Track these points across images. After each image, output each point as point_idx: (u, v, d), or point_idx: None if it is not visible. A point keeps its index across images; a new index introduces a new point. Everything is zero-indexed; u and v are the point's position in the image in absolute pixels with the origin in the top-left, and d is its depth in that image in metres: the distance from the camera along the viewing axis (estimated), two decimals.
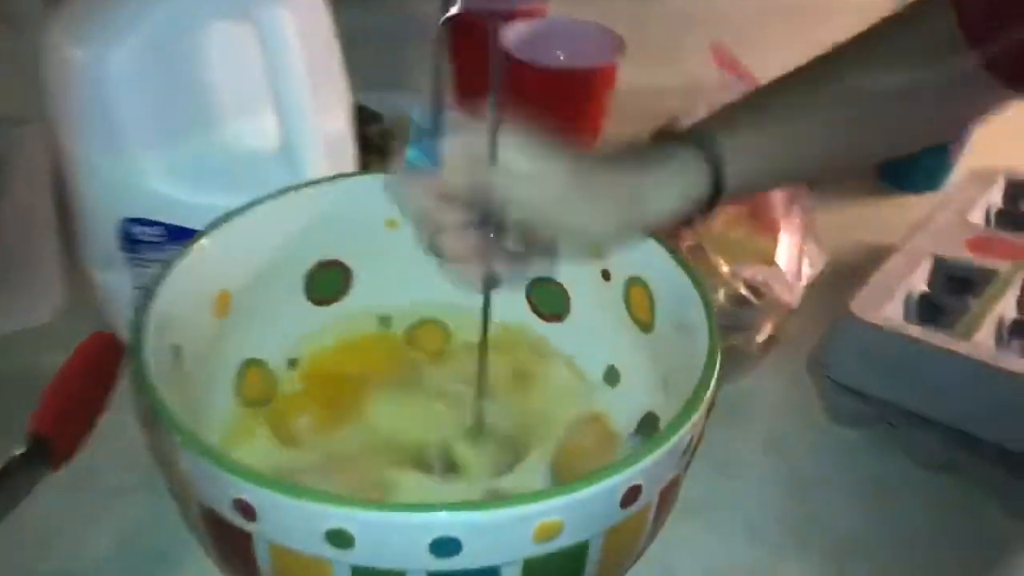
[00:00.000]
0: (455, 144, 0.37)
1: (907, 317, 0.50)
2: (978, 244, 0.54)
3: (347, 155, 0.51)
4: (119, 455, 0.45)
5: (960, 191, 0.60)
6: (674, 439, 0.31)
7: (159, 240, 0.45)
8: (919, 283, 0.52)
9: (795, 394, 0.52)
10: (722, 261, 0.48)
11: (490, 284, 0.39)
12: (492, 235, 0.38)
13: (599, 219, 0.38)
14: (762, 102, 0.42)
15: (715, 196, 0.38)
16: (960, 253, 0.53)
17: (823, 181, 0.45)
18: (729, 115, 0.42)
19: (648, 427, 0.43)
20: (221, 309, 0.42)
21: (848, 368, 0.48)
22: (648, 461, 0.30)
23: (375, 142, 0.68)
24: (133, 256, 0.46)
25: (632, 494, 0.30)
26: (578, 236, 0.39)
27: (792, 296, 0.47)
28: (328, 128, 0.48)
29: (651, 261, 0.42)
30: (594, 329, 0.47)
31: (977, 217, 0.58)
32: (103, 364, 0.48)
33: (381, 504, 0.28)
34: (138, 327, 0.35)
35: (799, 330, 0.53)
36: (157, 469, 0.35)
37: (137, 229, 0.45)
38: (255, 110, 0.46)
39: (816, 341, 0.51)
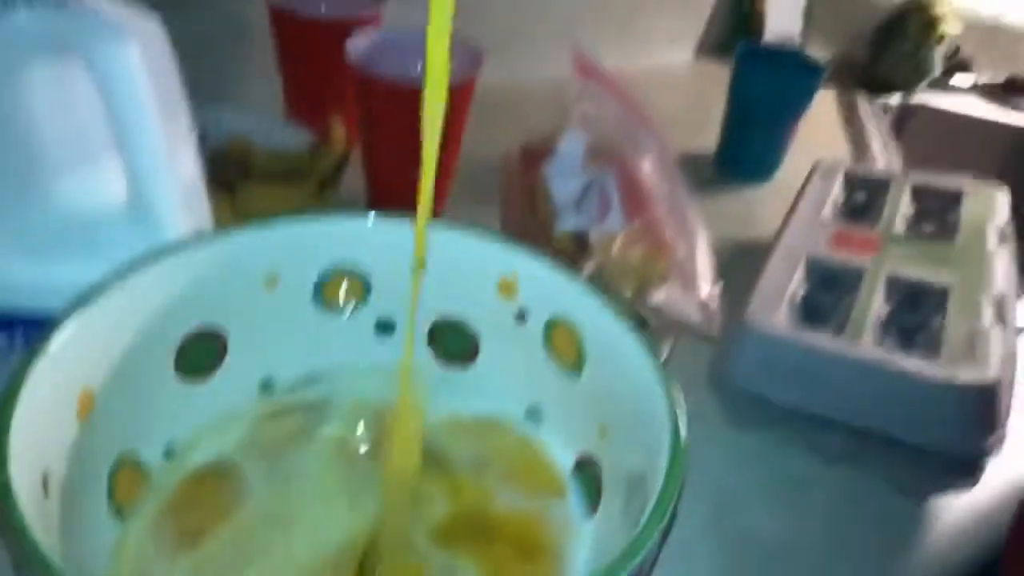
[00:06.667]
0: None
1: (794, 319, 0.52)
2: (840, 240, 0.57)
3: (201, 201, 0.44)
4: None
5: (811, 187, 0.64)
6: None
7: None
8: (799, 285, 0.54)
9: (699, 404, 0.52)
10: (625, 287, 0.47)
11: None
12: None
13: None
14: None
15: None
16: (827, 252, 0.56)
17: None
18: None
19: (587, 473, 0.40)
20: (83, 411, 0.34)
21: (750, 377, 0.49)
22: None
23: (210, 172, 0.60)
24: None
25: None
26: None
27: (702, 312, 0.46)
28: (180, 174, 0.41)
29: (573, 301, 0.40)
30: (509, 370, 0.44)
31: (828, 212, 0.62)
32: None
33: None
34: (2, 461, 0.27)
35: (693, 338, 0.54)
36: None
37: None
38: (91, 161, 0.38)
39: (711, 348, 0.51)
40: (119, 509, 0.36)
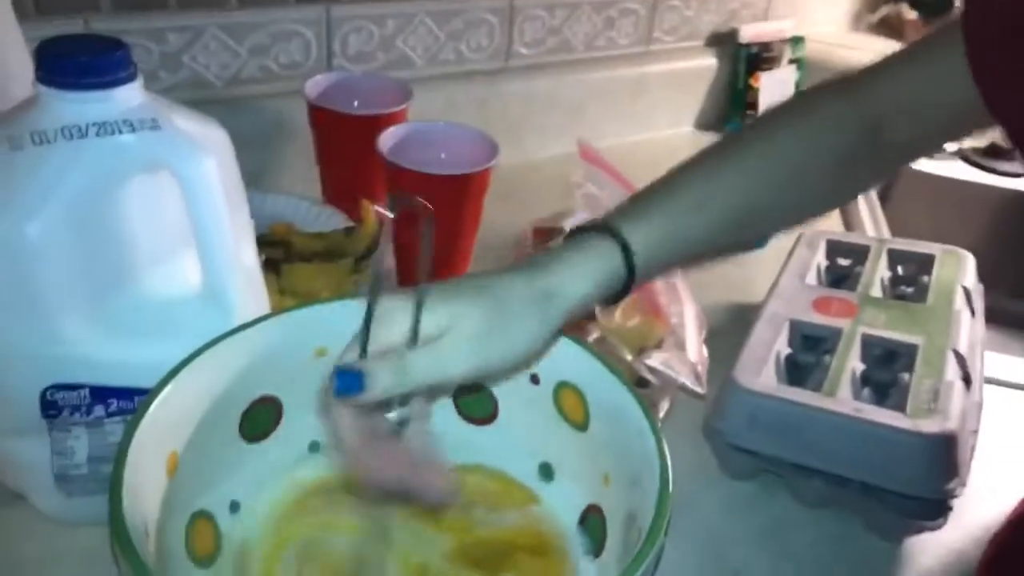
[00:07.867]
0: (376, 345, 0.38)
1: (778, 377, 0.58)
2: (821, 304, 0.64)
3: (259, 284, 0.52)
4: None
5: (796, 255, 0.70)
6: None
7: (82, 404, 0.43)
8: (783, 346, 0.60)
9: (695, 455, 0.58)
10: (626, 350, 0.53)
11: None
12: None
13: (520, 343, 0.40)
14: (671, 188, 0.47)
15: (628, 280, 0.43)
16: (809, 315, 0.62)
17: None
18: (639, 202, 0.46)
19: (593, 519, 0.46)
20: (171, 469, 0.41)
21: (738, 431, 0.55)
22: None
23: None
24: (53, 422, 0.44)
25: None
26: (506, 370, 0.41)
27: (692, 374, 0.53)
28: (244, 263, 0.48)
29: (579, 367, 0.46)
30: (525, 428, 0.50)
31: (812, 278, 0.68)
32: None
33: None
34: (118, 515, 0.34)
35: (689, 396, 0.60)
36: None
37: (60, 395, 0.43)
38: (173, 255, 0.46)
39: (706, 404, 0.57)
40: (194, 556, 0.43)
